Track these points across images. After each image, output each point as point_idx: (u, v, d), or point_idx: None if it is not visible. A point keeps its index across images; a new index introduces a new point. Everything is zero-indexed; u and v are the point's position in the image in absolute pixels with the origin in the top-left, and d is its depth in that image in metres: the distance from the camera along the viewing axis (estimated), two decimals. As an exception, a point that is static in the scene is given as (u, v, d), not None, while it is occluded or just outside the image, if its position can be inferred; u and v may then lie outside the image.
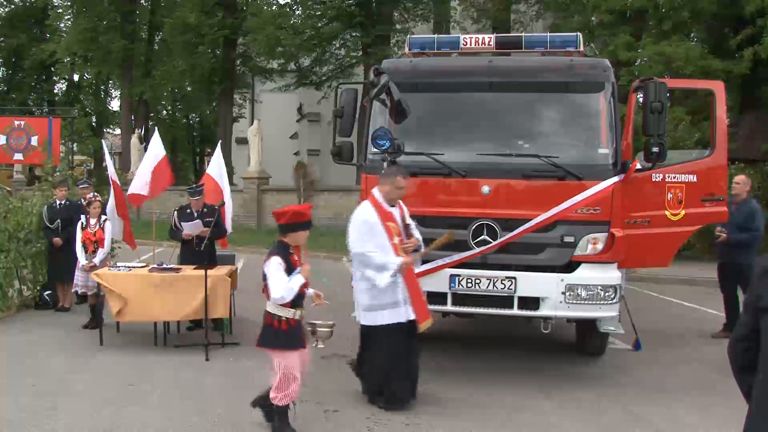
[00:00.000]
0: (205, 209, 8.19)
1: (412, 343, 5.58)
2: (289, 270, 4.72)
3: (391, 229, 5.43)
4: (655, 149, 5.88)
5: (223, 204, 8.64)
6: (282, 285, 4.63)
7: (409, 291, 5.43)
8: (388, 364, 5.51)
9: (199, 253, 7.35)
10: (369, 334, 5.62)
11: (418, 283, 5.56)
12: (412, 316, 5.44)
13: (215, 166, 9.63)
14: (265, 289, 4.78)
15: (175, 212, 8.31)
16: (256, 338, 4.90)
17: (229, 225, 9.13)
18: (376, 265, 5.36)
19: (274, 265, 4.67)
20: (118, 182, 9.77)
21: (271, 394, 4.84)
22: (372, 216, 5.43)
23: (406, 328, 5.46)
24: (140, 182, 9.37)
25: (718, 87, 6.93)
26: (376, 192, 5.55)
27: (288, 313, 4.76)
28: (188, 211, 8.17)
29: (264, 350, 4.86)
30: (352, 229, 5.51)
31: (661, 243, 6.63)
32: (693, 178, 6.59)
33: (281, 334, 4.75)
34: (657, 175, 6.46)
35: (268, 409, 4.96)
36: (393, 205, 5.55)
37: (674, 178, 6.55)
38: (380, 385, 5.59)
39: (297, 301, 4.81)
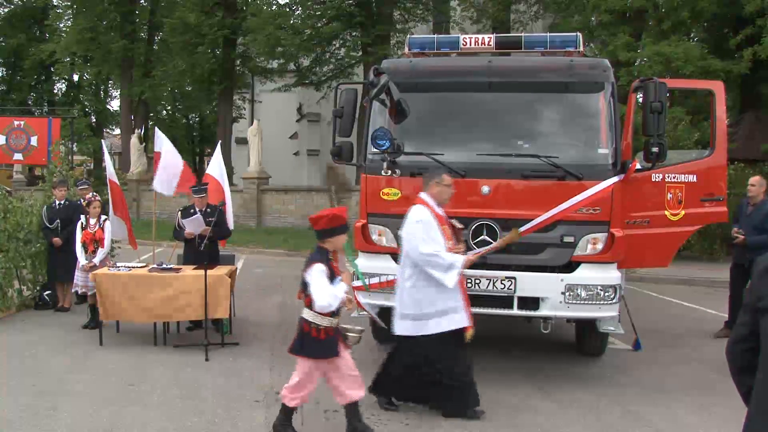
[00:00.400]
0: (208, 209, 8.19)
1: (464, 352, 5.37)
2: (331, 277, 4.59)
3: (446, 231, 5.28)
4: (655, 149, 5.87)
5: (223, 204, 8.63)
6: (327, 293, 4.49)
7: (463, 295, 5.29)
8: (453, 372, 5.26)
9: (202, 253, 7.35)
10: (415, 345, 5.26)
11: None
12: (468, 322, 5.28)
13: (216, 166, 9.62)
14: (302, 295, 4.68)
15: (179, 212, 8.31)
16: (290, 344, 4.77)
17: (231, 224, 9.09)
18: (446, 266, 5.12)
19: (318, 273, 4.53)
20: (117, 182, 9.77)
21: (283, 392, 4.80)
22: (429, 216, 5.24)
23: (455, 337, 5.24)
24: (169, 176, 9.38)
25: (717, 87, 6.93)
26: (425, 196, 5.34)
27: (326, 322, 4.63)
28: (192, 210, 8.18)
29: (298, 358, 4.75)
30: (411, 232, 5.21)
31: (660, 243, 6.63)
32: (693, 178, 6.58)
33: (318, 343, 4.65)
34: (657, 175, 6.46)
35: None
36: (441, 207, 5.39)
37: (674, 178, 6.54)
38: (428, 396, 5.35)
39: (336, 310, 4.68)
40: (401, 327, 5.31)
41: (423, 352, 5.23)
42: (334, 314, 4.67)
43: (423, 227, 5.19)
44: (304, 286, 4.62)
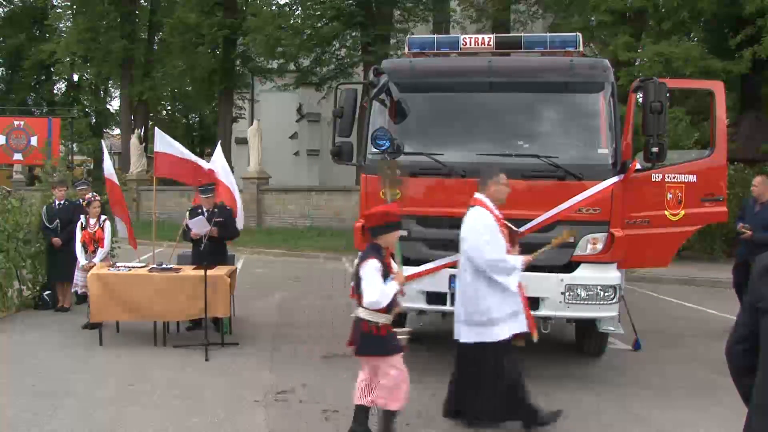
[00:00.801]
0: (216, 209, 8.17)
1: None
2: (384, 274, 4.50)
3: (503, 233, 5.12)
4: (655, 149, 5.88)
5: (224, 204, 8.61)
6: (379, 289, 4.40)
7: (522, 298, 5.16)
8: (516, 382, 5.07)
9: (207, 253, 7.34)
10: (479, 354, 5.00)
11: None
12: (525, 327, 5.15)
13: (215, 166, 9.60)
14: (355, 293, 4.63)
15: (187, 213, 8.28)
16: (354, 348, 4.61)
17: (240, 224, 9.06)
18: (510, 269, 4.98)
19: (372, 269, 4.44)
20: (116, 181, 9.75)
21: (381, 400, 4.63)
22: (491, 219, 5.05)
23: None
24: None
25: (717, 87, 6.93)
26: (482, 197, 5.15)
27: (382, 319, 4.54)
28: (199, 210, 8.16)
29: (367, 359, 4.66)
30: (475, 236, 4.98)
31: (660, 243, 6.62)
32: (693, 178, 6.57)
33: (381, 340, 4.55)
34: (657, 175, 6.46)
35: None
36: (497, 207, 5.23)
37: (674, 178, 6.53)
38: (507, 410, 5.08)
39: (389, 308, 4.57)
40: (468, 335, 5.03)
41: (491, 358, 4.98)
42: (387, 312, 4.57)
43: (487, 231, 4.98)
44: (358, 283, 4.54)
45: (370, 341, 4.53)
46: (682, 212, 6.54)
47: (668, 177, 6.51)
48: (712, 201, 6.62)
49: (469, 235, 5.04)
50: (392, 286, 4.49)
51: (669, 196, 6.54)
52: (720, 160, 6.73)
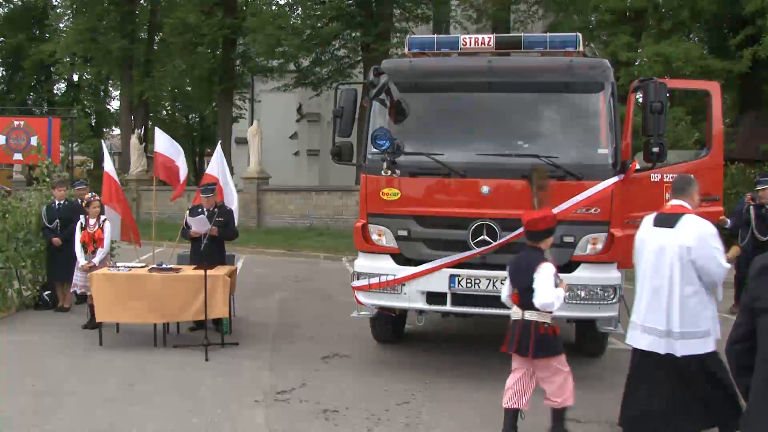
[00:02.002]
0: (216, 209, 8.18)
1: None
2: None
3: None
4: (656, 149, 5.87)
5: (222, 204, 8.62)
6: (554, 292, 4.56)
7: None
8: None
9: (207, 253, 7.34)
10: (700, 366, 4.61)
11: None
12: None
13: (216, 166, 9.61)
14: (517, 296, 4.74)
15: (187, 211, 8.29)
16: (530, 351, 4.64)
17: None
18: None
19: (549, 273, 4.60)
20: (116, 178, 9.72)
21: (556, 399, 4.77)
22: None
23: None
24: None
25: (714, 87, 6.96)
26: (687, 204, 4.83)
27: (550, 319, 4.69)
28: (199, 210, 8.16)
29: (538, 361, 4.73)
30: (711, 247, 4.56)
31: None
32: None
33: (556, 340, 4.73)
34: (655, 175, 6.48)
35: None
36: None
37: (672, 178, 6.55)
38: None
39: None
40: (688, 348, 4.56)
41: (711, 369, 4.63)
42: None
43: (717, 240, 4.61)
44: (524, 286, 4.63)
45: (547, 342, 4.67)
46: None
47: (666, 177, 6.52)
48: (709, 201, 6.62)
49: (700, 244, 4.58)
50: (561, 291, 4.67)
51: (667, 195, 6.53)
52: (717, 160, 6.76)
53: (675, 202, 4.83)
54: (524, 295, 4.65)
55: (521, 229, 5.82)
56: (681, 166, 6.68)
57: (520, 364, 4.83)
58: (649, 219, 4.89)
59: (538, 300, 4.53)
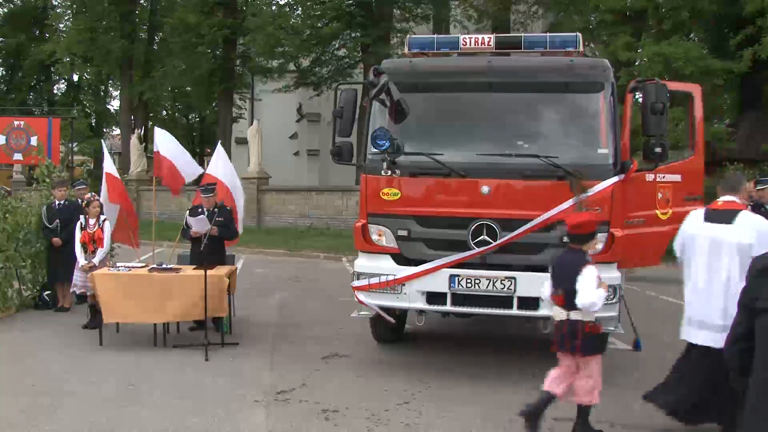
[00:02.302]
0: (216, 209, 8.18)
1: None
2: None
3: None
4: (658, 149, 5.92)
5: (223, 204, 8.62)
6: (596, 293, 4.71)
7: None
8: None
9: (207, 253, 7.34)
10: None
11: None
12: None
13: (216, 166, 9.61)
14: (560, 296, 4.87)
15: (187, 211, 8.29)
16: (577, 348, 4.82)
17: (240, 226, 9.10)
18: None
19: (592, 275, 4.76)
20: (116, 175, 9.71)
21: (586, 398, 4.92)
22: None
23: None
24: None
25: (695, 90, 7.03)
26: (740, 200, 4.99)
27: (593, 318, 4.87)
28: (199, 210, 8.16)
29: (585, 358, 4.90)
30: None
31: (653, 242, 6.70)
32: (678, 178, 6.73)
33: (599, 339, 4.96)
34: (650, 175, 6.52)
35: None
36: None
37: (663, 178, 6.66)
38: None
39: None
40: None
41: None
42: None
43: None
44: (567, 287, 4.77)
45: (593, 340, 4.87)
46: (670, 211, 6.67)
47: (659, 177, 6.59)
48: (693, 200, 6.80)
49: (760, 240, 4.62)
50: (602, 291, 4.81)
51: (659, 195, 6.68)
52: (700, 161, 6.90)
53: (727, 198, 4.96)
54: (569, 296, 4.78)
55: (521, 229, 5.86)
56: (672, 166, 6.77)
57: (566, 361, 4.97)
58: (697, 214, 5.04)
59: (580, 301, 4.67)
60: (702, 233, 4.86)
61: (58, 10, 33.19)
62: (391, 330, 7.42)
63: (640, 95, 6.27)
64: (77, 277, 8.55)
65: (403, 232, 6.26)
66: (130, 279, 7.38)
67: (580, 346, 4.81)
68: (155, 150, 9.92)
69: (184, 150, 9.98)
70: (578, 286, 4.69)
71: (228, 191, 9.13)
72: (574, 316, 4.80)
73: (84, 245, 8.47)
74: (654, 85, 6.04)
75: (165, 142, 9.81)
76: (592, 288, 4.70)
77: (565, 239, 5.34)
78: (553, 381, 4.97)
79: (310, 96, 27.39)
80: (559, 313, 4.91)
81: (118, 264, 7.95)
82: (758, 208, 9.04)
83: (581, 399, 4.93)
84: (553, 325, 5.09)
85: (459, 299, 6.14)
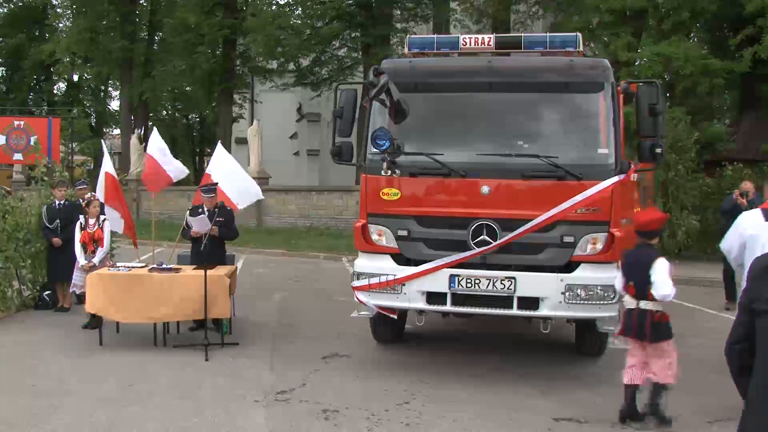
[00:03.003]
0: (216, 209, 8.17)
1: None
2: None
3: None
4: (659, 150, 5.96)
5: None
6: (671, 285, 5.10)
7: None
8: None
9: (207, 253, 7.34)
10: None
11: None
12: None
13: (217, 166, 9.61)
14: (634, 288, 5.28)
15: (188, 211, 8.28)
16: (647, 336, 5.21)
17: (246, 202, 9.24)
18: None
19: (666, 266, 5.16)
20: (114, 174, 9.72)
21: (660, 376, 5.24)
22: None
23: None
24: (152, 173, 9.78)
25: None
26: None
27: (662, 307, 5.26)
28: (200, 210, 8.16)
29: (655, 344, 5.27)
30: None
31: (631, 240, 6.76)
32: (638, 177, 7.04)
33: (667, 325, 5.29)
34: (633, 175, 6.57)
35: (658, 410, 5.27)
36: None
37: (634, 177, 6.79)
38: None
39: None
40: None
41: None
42: None
43: None
44: (644, 280, 5.14)
45: (662, 328, 5.25)
46: (638, 209, 6.92)
47: (632, 177, 6.66)
48: (647, 199, 7.19)
49: None
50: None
51: (636, 194, 7.04)
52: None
53: None
54: (640, 287, 5.18)
55: (521, 229, 5.85)
56: (636, 167, 6.84)
57: (636, 348, 5.35)
58: (755, 215, 5.28)
59: (658, 292, 5.07)
60: (761, 233, 5.08)
61: (58, 10, 33.19)
62: (391, 330, 7.42)
63: (636, 96, 6.28)
64: (77, 277, 8.55)
65: (403, 232, 6.26)
66: (123, 279, 7.34)
67: (650, 334, 5.19)
68: (146, 152, 10.03)
69: (171, 159, 10.04)
70: (654, 278, 5.08)
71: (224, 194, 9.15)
72: (644, 305, 5.20)
73: (84, 245, 8.47)
74: (654, 87, 6.07)
75: (155, 142, 9.87)
76: (667, 279, 5.08)
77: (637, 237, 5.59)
78: (629, 374, 5.31)
79: (311, 98, 27.39)
80: (629, 303, 5.30)
81: (118, 264, 7.95)
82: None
83: (659, 377, 5.24)
84: (622, 313, 5.49)
85: (459, 299, 6.14)
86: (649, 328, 5.19)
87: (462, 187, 6.16)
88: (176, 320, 7.72)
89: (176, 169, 10.05)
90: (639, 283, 5.19)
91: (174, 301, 7.19)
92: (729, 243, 5.77)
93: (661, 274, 5.09)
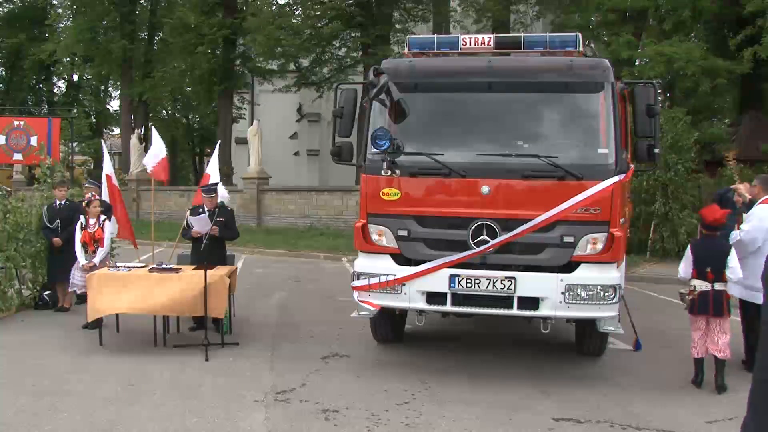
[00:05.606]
0: (217, 209, 8.18)
1: None
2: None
3: None
4: (657, 150, 6.01)
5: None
6: (740, 267, 6.08)
7: None
8: None
9: (207, 253, 7.34)
10: None
11: None
12: None
13: (215, 167, 9.63)
14: (712, 272, 6.11)
15: (188, 211, 8.29)
16: (724, 311, 6.07)
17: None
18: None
19: (735, 254, 6.14)
20: (113, 177, 9.74)
21: (725, 350, 6.11)
22: None
23: None
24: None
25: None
26: None
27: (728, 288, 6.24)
28: (200, 210, 8.17)
29: (720, 319, 6.11)
30: None
31: (625, 239, 6.78)
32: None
33: (728, 303, 6.14)
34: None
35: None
36: None
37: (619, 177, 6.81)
38: None
39: None
40: None
41: None
42: None
43: None
44: (719, 265, 6.07)
45: (728, 305, 6.12)
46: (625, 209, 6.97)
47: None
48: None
49: None
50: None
51: (627, 194, 7.20)
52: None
53: None
54: (716, 271, 6.06)
55: (521, 229, 5.85)
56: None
57: (701, 324, 6.18)
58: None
59: (735, 274, 6.04)
60: None
61: (58, 10, 33.13)
62: (391, 330, 7.43)
63: (632, 97, 6.29)
64: (77, 276, 8.54)
65: (403, 232, 6.26)
66: (123, 279, 7.32)
67: (725, 309, 6.06)
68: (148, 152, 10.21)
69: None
70: (731, 264, 6.05)
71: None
72: (719, 286, 6.07)
73: (84, 245, 8.47)
74: (652, 88, 6.09)
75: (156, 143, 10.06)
76: (738, 264, 6.05)
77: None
78: (696, 347, 6.22)
79: (313, 99, 27.37)
80: (702, 285, 6.11)
81: (118, 264, 7.95)
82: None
83: (723, 353, 6.09)
84: (695, 294, 6.16)
85: (459, 299, 6.14)
86: (725, 304, 6.06)
87: (462, 187, 6.16)
88: (175, 314, 7.68)
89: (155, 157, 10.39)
90: (716, 268, 6.06)
91: (174, 293, 7.12)
92: (752, 236, 6.47)
93: (735, 260, 6.06)
